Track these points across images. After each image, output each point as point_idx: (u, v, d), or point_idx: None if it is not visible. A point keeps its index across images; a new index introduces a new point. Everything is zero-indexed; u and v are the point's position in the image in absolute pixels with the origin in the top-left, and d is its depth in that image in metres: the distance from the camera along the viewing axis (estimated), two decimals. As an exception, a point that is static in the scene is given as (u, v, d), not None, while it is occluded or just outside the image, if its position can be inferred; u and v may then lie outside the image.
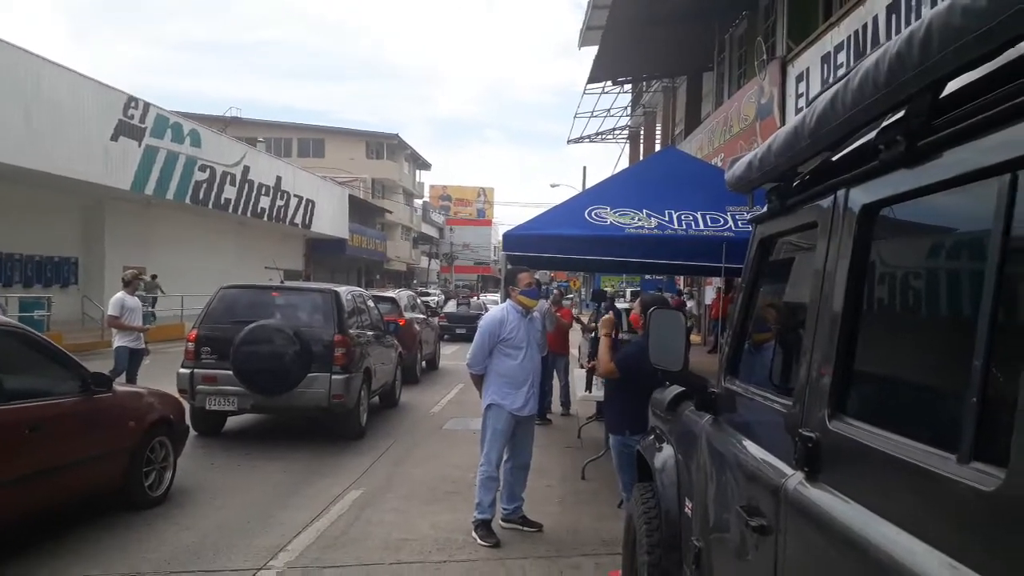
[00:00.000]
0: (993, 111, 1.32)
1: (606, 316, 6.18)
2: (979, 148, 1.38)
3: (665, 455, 3.54)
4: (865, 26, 9.85)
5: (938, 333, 1.62)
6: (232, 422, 8.97)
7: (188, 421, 6.83)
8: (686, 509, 3.14)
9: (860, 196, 1.85)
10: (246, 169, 28.28)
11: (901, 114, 1.59)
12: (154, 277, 23.53)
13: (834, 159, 2.06)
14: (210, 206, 26.06)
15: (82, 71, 19.14)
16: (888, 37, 8.77)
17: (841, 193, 1.95)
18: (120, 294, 9.61)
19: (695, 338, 20.31)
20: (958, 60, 1.30)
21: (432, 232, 71.76)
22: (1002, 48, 1.23)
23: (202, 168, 25.10)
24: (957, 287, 1.56)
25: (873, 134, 1.74)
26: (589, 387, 9.02)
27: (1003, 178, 1.30)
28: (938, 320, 1.63)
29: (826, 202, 2.04)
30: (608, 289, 23.99)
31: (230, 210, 27.57)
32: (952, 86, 1.48)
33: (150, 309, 22.08)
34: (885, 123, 1.66)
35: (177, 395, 7.23)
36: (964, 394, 1.33)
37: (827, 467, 1.82)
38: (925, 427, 1.55)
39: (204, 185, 25.42)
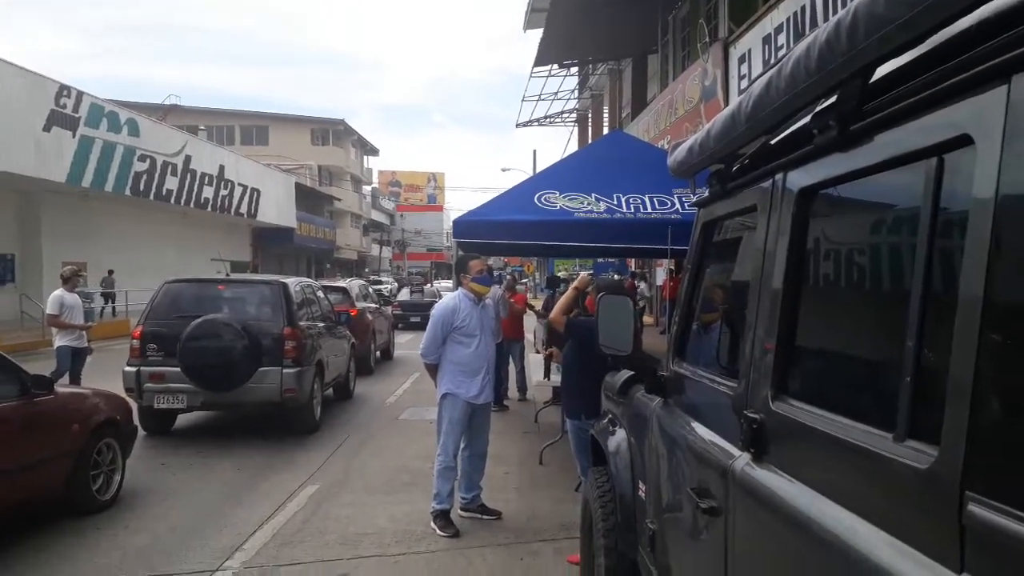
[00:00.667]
0: (920, 96, 1.35)
1: (585, 274, 6.25)
2: (908, 131, 1.41)
3: (618, 439, 3.58)
4: (803, 8, 10.02)
5: (873, 313, 1.66)
6: (182, 420, 8.80)
7: (136, 421, 6.67)
8: (640, 492, 3.18)
9: (797, 179, 1.89)
10: (187, 158, 27.62)
11: (833, 99, 1.62)
12: (111, 272, 23.10)
13: (772, 143, 2.09)
14: (151, 197, 25.41)
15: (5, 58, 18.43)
16: (825, 19, 8.91)
17: (779, 176, 1.98)
18: (59, 291, 9.31)
19: (648, 319, 20.56)
20: (883, 48, 1.33)
21: (383, 219, 71.08)
22: (925, 35, 1.26)
23: (141, 158, 24.43)
24: (890, 268, 1.60)
25: (808, 119, 1.77)
26: (547, 374, 9.08)
27: (930, 161, 1.34)
28: (873, 301, 1.67)
29: (765, 185, 2.08)
30: (562, 273, 24.11)
31: (172, 201, 26.93)
32: (883, 71, 1.52)
33: (101, 306, 21.71)
34: (818, 108, 1.69)
35: (123, 394, 7.06)
36: (898, 373, 1.37)
37: (772, 448, 1.86)
38: (863, 406, 1.59)
39: (144, 176, 24.76)
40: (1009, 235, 1.11)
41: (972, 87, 1.21)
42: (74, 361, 9.28)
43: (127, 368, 8.12)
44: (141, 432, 7.18)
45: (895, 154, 1.46)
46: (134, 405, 7.14)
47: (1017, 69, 1.11)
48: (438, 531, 5.31)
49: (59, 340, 9.31)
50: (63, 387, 6.16)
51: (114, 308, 22.75)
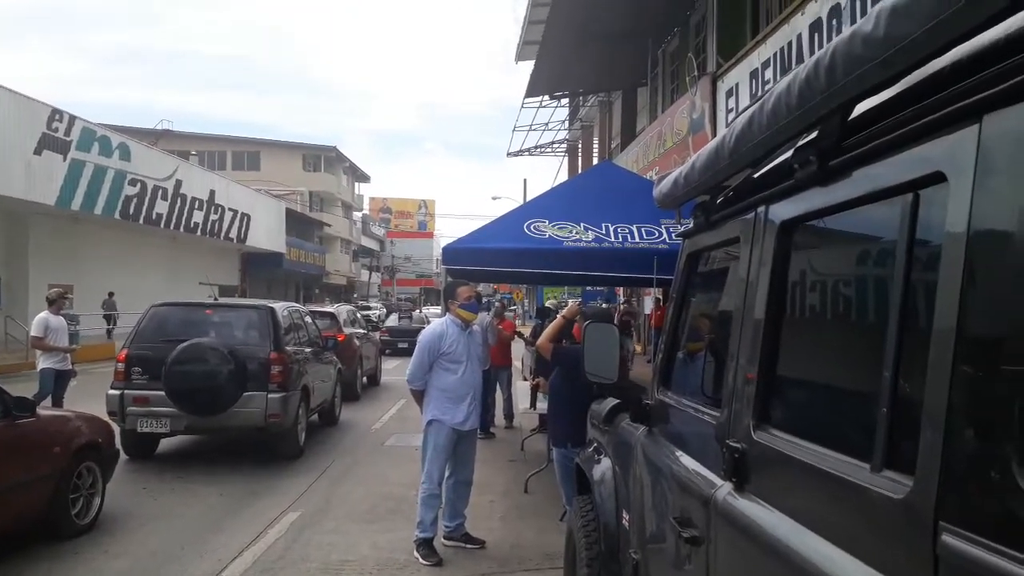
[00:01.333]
0: (896, 134, 1.39)
1: (574, 302, 6.28)
2: (885, 168, 1.44)
3: (603, 467, 3.58)
4: (790, 44, 10.19)
5: (852, 344, 1.69)
6: (165, 444, 8.70)
7: (118, 444, 6.61)
8: (624, 521, 3.17)
9: (779, 212, 1.92)
10: (178, 183, 27.62)
11: (813, 135, 1.65)
12: (111, 295, 23.01)
13: (755, 177, 2.13)
14: (141, 221, 25.35)
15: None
16: (812, 54, 9.08)
17: (761, 209, 2.02)
18: (44, 314, 9.24)
19: (636, 347, 20.54)
20: (861, 86, 1.37)
21: (373, 245, 71.09)
22: (901, 75, 1.30)
23: (132, 182, 24.41)
24: (867, 300, 1.63)
25: (789, 153, 1.80)
26: (533, 404, 9.04)
27: (906, 197, 1.37)
28: (851, 332, 1.69)
29: (748, 217, 2.11)
30: (550, 302, 24.10)
31: (162, 225, 26.87)
32: (861, 108, 1.55)
33: (107, 327, 21.56)
34: (799, 143, 1.73)
35: (106, 418, 6.98)
36: (875, 404, 1.39)
37: (754, 477, 1.87)
38: (841, 437, 1.61)
39: (135, 200, 24.72)
40: (980, 270, 1.13)
41: (945, 126, 1.24)
42: (57, 384, 9.19)
43: (111, 391, 8.04)
44: (123, 456, 7.09)
45: (873, 189, 1.49)
46: (116, 428, 7.07)
47: (989, 109, 1.14)
48: (421, 560, 5.25)
49: (43, 362, 9.22)
50: (45, 409, 6.10)
51: (109, 331, 22.56)
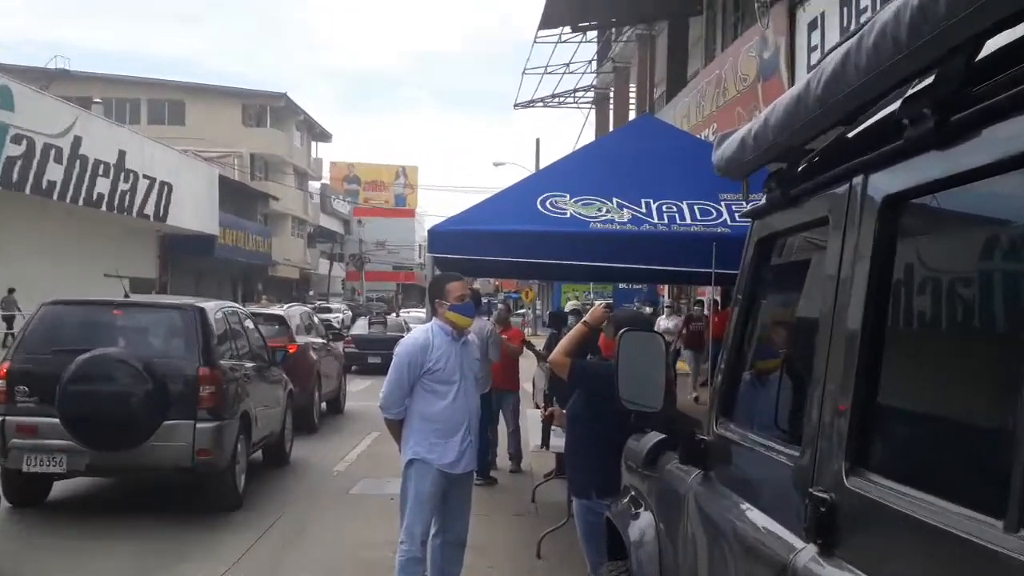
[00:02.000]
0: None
1: (601, 305, 6.29)
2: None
3: (643, 524, 3.59)
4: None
5: (980, 364, 1.68)
6: (60, 488, 8.75)
7: (-4, 489, 6.65)
8: (669, 595, 3.18)
9: (882, 184, 1.92)
10: (77, 140, 27.66)
11: (929, 81, 1.64)
12: (11, 291, 23.08)
13: (849, 137, 2.13)
14: (27, 191, 25.38)
15: None
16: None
17: (858, 180, 2.01)
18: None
19: (683, 366, 20.52)
20: (999, 11, 1.35)
21: (335, 226, 71.38)
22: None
23: (16, 139, 24.43)
24: (1005, 303, 1.62)
25: (896, 105, 1.80)
26: (546, 442, 9.04)
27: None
28: (980, 347, 1.69)
29: (839, 191, 2.11)
30: (572, 304, 24.18)
31: (55, 196, 26.89)
32: (993, 44, 1.55)
33: (4, 331, 21.79)
34: (910, 92, 1.72)
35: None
36: (1012, 443, 1.38)
37: (845, 537, 1.87)
38: (965, 486, 1.61)
39: (20, 162, 24.73)
40: None
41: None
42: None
43: (-13, 418, 8.08)
44: (3, 503, 7.14)
45: (1010, 153, 1.48)
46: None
47: None
48: (399, 645, 5.28)
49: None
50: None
51: (12, 335, 22.59)
